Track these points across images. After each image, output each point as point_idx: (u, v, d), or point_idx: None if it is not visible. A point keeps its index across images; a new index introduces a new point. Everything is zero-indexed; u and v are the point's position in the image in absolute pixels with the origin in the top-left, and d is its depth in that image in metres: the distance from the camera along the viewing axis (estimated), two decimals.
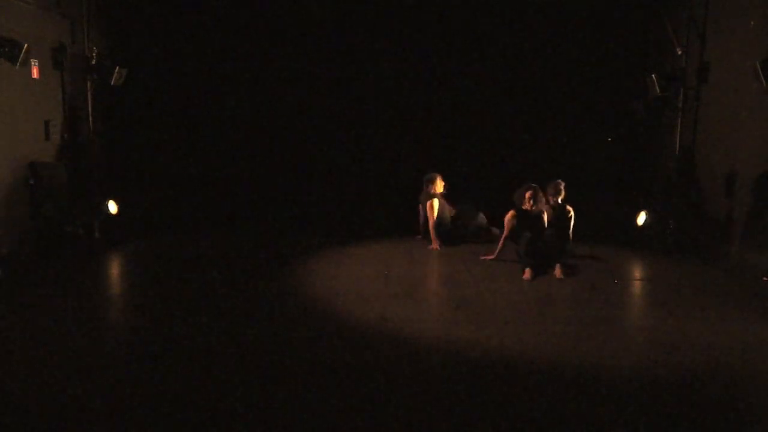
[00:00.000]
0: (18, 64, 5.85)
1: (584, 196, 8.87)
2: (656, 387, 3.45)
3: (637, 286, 6.13)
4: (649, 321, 4.85)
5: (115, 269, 6.61)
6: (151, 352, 3.93)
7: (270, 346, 4.05)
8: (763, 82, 5.69)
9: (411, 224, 7.58)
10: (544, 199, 6.76)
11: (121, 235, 7.56)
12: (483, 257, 6.65)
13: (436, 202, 7.27)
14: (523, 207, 6.60)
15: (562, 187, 6.93)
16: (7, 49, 5.76)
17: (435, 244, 7.20)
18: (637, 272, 6.77)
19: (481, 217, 7.72)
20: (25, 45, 5.83)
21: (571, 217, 6.90)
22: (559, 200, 6.93)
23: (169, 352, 3.90)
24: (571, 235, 6.97)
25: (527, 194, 6.56)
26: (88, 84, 7.54)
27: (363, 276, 6.00)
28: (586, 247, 7.49)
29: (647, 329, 4.63)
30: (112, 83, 7.47)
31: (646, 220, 7.80)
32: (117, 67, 7.41)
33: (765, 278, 5.83)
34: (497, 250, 6.60)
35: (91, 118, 7.59)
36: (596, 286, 5.76)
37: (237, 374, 3.54)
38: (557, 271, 6.10)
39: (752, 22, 6.48)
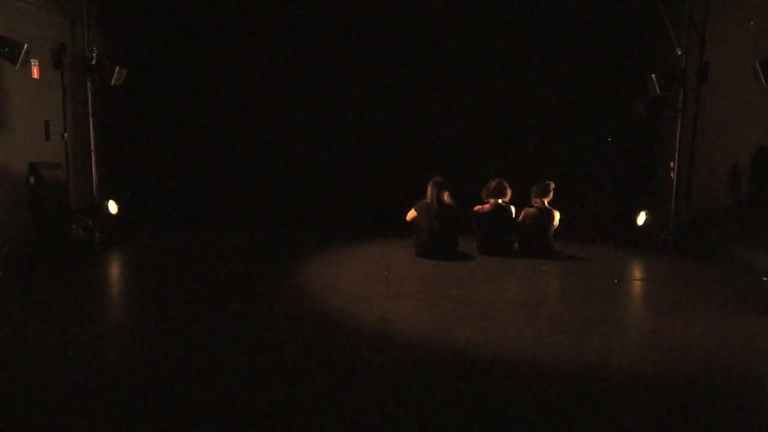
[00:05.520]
0: (18, 64, 5.85)
1: (584, 196, 8.92)
2: (656, 387, 3.44)
3: (637, 286, 6.13)
4: (649, 321, 4.85)
5: (115, 269, 6.60)
6: (151, 352, 3.93)
7: (270, 345, 4.05)
8: (763, 82, 5.69)
9: (409, 224, 7.55)
10: (508, 194, 6.96)
11: (121, 235, 7.57)
12: None
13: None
14: (489, 201, 6.93)
15: (551, 188, 6.94)
16: (7, 49, 5.76)
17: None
18: (637, 272, 6.77)
19: None
20: (25, 45, 5.83)
21: (554, 220, 6.90)
22: (545, 202, 6.92)
23: (170, 352, 3.90)
24: (551, 237, 6.97)
25: (492, 185, 6.93)
26: (88, 84, 7.54)
27: (363, 276, 6.00)
28: (585, 247, 7.50)
29: (647, 329, 4.63)
30: (112, 83, 7.47)
31: (646, 220, 7.80)
32: (117, 67, 7.41)
33: (765, 278, 5.84)
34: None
35: (91, 118, 7.59)
36: (596, 286, 5.76)
37: (237, 373, 3.54)
38: None
39: (752, 22, 6.48)
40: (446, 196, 6.76)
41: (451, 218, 6.74)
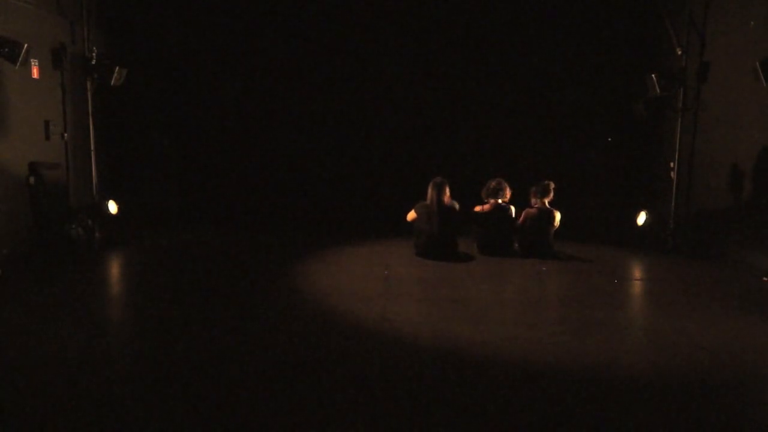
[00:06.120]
0: (18, 64, 5.84)
1: (584, 196, 8.91)
2: (656, 387, 3.45)
3: (637, 286, 6.13)
4: (649, 321, 4.85)
5: (115, 269, 6.60)
6: (151, 352, 3.93)
7: (270, 345, 4.05)
8: (763, 82, 5.69)
9: (410, 224, 7.55)
10: (507, 194, 6.96)
11: (121, 235, 7.56)
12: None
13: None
14: (489, 201, 6.95)
15: (551, 188, 6.91)
16: (7, 49, 5.75)
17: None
18: (637, 272, 6.77)
19: None
20: (25, 45, 5.82)
21: (555, 221, 6.87)
22: (546, 202, 6.90)
23: (169, 351, 3.90)
24: (551, 238, 6.95)
25: (492, 185, 6.95)
26: (88, 84, 7.54)
27: (363, 276, 6.00)
28: (586, 247, 7.50)
29: (647, 329, 4.63)
30: (112, 83, 7.46)
31: (646, 220, 7.80)
32: (117, 67, 7.41)
33: (765, 278, 5.84)
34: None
35: (91, 118, 7.59)
36: (596, 286, 5.76)
37: (236, 374, 3.54)
38: None
39: (752, 22, 6.48)
40: (446, 198, 6.75)
41: (451, 220, 6.73)
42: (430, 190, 6.77)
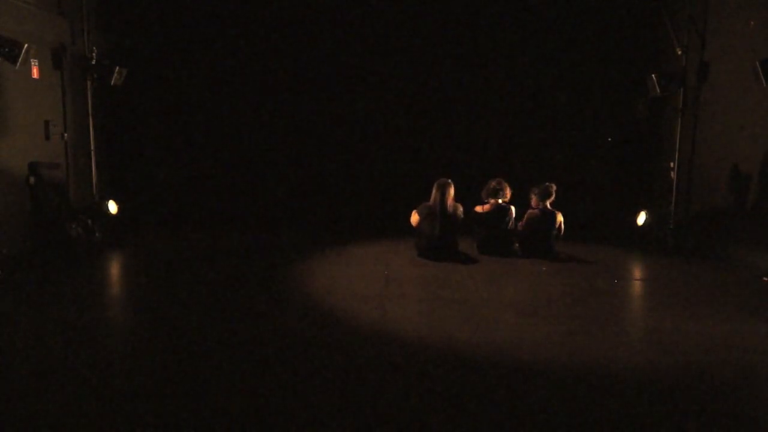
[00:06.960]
0: (18, 64, 5.84)
1: (585, 197, 8.91)
2: (656, 387, 3.44)
3: (637, 286, 6.13)
4: (649, 321, 4.85)
5: (115, 269, 6.61)
6: (151, 352, 3.93)
7: (269, 345, 4.05)
8: (763, 82, 5.69)
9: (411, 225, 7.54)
10: (507, 194, 6.95)
11: (121, 235, 7.57)
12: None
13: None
14: (489, 201, 6.93)
15: (552, 190, 6.88)
16: (7, 49, 5.75)
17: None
18: (637, 272, 6.76)
19: None
20: (25, 45, 5.83)
21: (559, 224, 6.85)
22: (548, 204, 6.88)
23: (169, 351, 3.90)
24: (553, 240, 6.93)
25: (492, 185, 6.94)
26: (88, 84, 7.54)
27: (363, 276, 6.00)
28: (586, 247, 7.50)
29: (647, 329, 4.64)
30: (112, 83, 7.47)
31: (646, 220, 7.80)
32: (117, 67, 7.41)
33: (765, 278, 5.84)
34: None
35: (91, 118, 7.59)
36: (596, 286, 5.76)
37: (236, 374, 3.55)
38: None
39: (752, 22, 6.48)
40: (450, 199, 6.71)
41: (453, 223, 6.70)
42: (434, 191, 6.72)
